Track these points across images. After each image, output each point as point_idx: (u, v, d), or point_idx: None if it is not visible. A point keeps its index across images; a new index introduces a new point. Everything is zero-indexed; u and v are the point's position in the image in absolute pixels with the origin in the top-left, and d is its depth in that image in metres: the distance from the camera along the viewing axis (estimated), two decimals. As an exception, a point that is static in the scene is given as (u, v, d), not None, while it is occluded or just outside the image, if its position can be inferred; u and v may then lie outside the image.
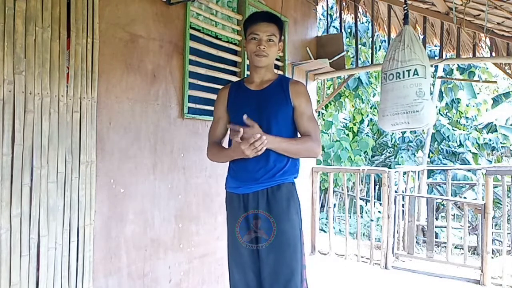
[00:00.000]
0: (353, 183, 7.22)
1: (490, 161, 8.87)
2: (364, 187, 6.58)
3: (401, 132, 8.76)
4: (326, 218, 5.52)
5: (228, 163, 1.81)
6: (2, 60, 1.63)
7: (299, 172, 1.78)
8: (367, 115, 9.37)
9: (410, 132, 8.89)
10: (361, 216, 5.65)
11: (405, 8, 2.74)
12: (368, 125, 9.66)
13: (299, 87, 1.76)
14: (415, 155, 8.86)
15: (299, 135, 1.76)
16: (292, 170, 1.73)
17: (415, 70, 2.52)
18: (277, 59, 3.46)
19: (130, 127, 2.24)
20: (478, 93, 10.56)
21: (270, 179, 1.68)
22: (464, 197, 6.25)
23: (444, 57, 3.86)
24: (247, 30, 1.74)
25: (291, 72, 3.79)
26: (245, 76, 3.04)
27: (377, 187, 7.36)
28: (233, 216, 1.74)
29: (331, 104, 8.35)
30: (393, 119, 2.61)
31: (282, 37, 1.80)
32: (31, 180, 1.73)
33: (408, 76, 2.53)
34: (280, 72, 3.51)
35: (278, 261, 1.63)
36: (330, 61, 4.05)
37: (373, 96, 9.46)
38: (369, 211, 5.66)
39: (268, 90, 1.75)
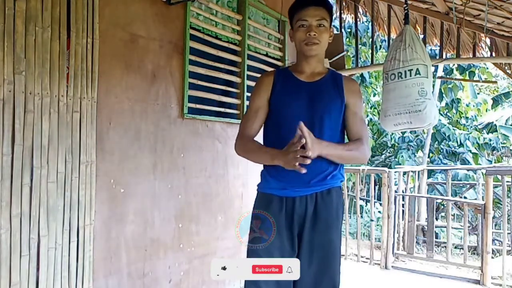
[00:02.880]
0: (353, 183, 7.22)
1: (490, 161, 8.86)
2: (364, 187, 6.57)
3: (401, 132, 8.76)
4: (326, 218, 5.51)
5: (243, 159, 1.66)
6: (2, 60, 1.63)
7: (345, 176, 1.67)
8: (367, 115, 9.37)
9: (410, 132, 8.89)
10: (361, 216, 5.65)
11: (405, 8, 2.74)
12: (368, 125, 9.65)
13: (353, 85, 1.63)
14: (415, 155, 8.86)
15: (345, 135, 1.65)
16: (341, 173, 1.61)
17: (417, 69, 2.52)
18: (277, 59, 3.46)
19: (130, 127, 2.24)
20: (478, 93, 10.57)
21: (321, 182, 1.52)
22: (465, 197, 6.26)
23: (444, 57, 3.86)
24: (294, 17, 1.56)
25: (291, 72, 3.78)
26: (247, 76, 3.03)
27: (377, 187, 7.35)
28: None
29: (331, 104, 8.34)
30: (395, 119, 2.61)
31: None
32: (31, 180, 1.73)
33: (410, 75, 2.53)
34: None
35: (321, 274, 1.49)
36: (330, 61, 4.04)
37: (373, 96, 9.46)
38: (369, 211, 5.66)
39: (321, 84, 1.58)
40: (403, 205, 4.45)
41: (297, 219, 1.51)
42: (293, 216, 1.51)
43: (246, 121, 1.63)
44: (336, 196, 1.55)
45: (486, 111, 10.23)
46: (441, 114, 9.48)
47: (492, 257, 3.80)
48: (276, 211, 1.52)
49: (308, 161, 1.32)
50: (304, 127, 1.31)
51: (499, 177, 4.22)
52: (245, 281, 1.54)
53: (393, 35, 3.96)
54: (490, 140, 8.80)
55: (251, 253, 1.54)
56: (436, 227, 4.78)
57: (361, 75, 7.89)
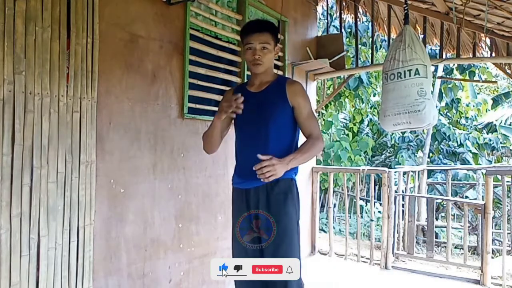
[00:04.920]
0: (353, 183, 7.22)
1: (490, 161, 8.86)
2: (364, 187, 6.57)
3: (401, 132, 8.76)
4: (326, 218, 5.52)
5: (234, 160, 1.90)
6: (2, 60, 1.63)
7: (299, 169, 1.84)
8: (367, 115, 9.36)
9: (410, 131, 8.89)
10: (361, 216, 5.65)
11: (405, 8, 2.74)
12: (368, 125, 9.65)
13: (295, 87, 1.82)
14: (415, 155, 8.86)
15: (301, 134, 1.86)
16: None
17: (416, 69, 2.52)
18: (276, 59, 3.46)
19: (130, 127, 2.24)
20: (478, 93, 10.57)
21: None
22: (466, 197, 6.26)
23: (444, 57, 3.86)
24: (243, 40, 1.83)
25: (291, 72, 3.79)
26: (247, 76, 3.04)
27: (377, 187, 7.35)
28: (238, 211, 1.83)
29: (331, 104, 8.34)
30: (394, 119, 2.61)
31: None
32: (31, 180, 1.73)
33: (409, 75, 2.53)
34: (280, 73, 3.51)
35: (276, 252, 1.69)
36: (330, 61, 4.05)
37: (373, 96, 9.45)
38: (369, 211, 5.66)
39: (265, 92, 1.83)
40: (403, 205, 4.44)
41: (253, 206, 1.78)
42: (250, 205, 1.78)
43: None
44: (284, 186, 1.76)
45: (486, 111, 10.23)
46: (441, 114, 9.48)
47: (492, 257, 3.80)
48: (239, 202, 1.82)
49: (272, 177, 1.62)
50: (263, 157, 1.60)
51: (499, 177, 4.22)
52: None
53: (393, 35, 3.96)
54: (490, 140, 8.79)
55: (232, 240, 1.85)
56: (436, 227, 4.77)
57: (359, 76, 7.88)
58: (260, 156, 1.61)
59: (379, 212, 6.07)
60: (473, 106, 9.96)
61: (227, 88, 2.90)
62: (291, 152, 1.75)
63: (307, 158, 1.75)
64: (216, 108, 2.80)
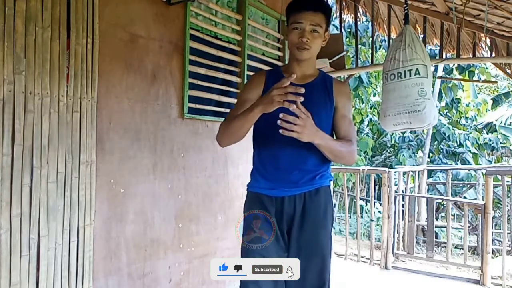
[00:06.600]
0: (353, 183, 7.22)
1: (490, 161, 8.87)
2: (364, 187, 6.58)
3: (401, 132, 8.77)
4: (326, 218, 5.53)
5: (252, 160, 1.66)
6: (2, 60, 1.63)
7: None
8: (367, 115, 9.38)
9: (410, 131, 8.90)
10: (361, 216, 5.65)
11: (405, 8, 2.74)
12: (368, 125, 9.66)
13: (344, 87, 1.64)
14: (415, 155, 8.87)
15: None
16: (329, 172, 1.63)
17: (417, 69, 2.52)
18: (277, 59, 3.46)
19: (130, 127, 2.24)
20: (478, 93, 10.58)
21: (309, 182, 1.55)
22: (465, 197, 6.26)
23: (444, 57, 3.86)
24: (289, 17, 1.54)
25: (291, 72, 3.78)
26: (247, 76, 3.03)
27: (377, 187, 7.36)
28: (263, 222, 1.57)
29: (331, 104, 8.34)
30: (395, 119, 2.61)
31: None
32: (31, 180, 1.73)
33: (410, 75, 2.53)
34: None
35: (309, 271, 1.50)
36: (330, 61, 4.04)
37: (373, 96, 9.46)
38: (369, 211, 5.67)
39: (311, 86, 1.54)
40: (403, 205, 4.45)
41: (286, 218, 1.54)
42: (282, 215, 1.54)
43: (232, 112, 1.65)
44: (324, 195, 1.57)
45: (486, 111, 10.25)
46: (441, 114, 9.50)
47: (492, 257, 3.81)
48: (266, 210, 1.55)
49: (293, 133, 1.28)
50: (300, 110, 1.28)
51: (499, 177, 4.23)
52: (241, 281, 1.54)
53: (393, 35, 3.95)
54: (490, 140, 8.81)
55: (245, 251, 1.58)
56: (436, 227, 4.78)
57: (359, 76, 7.89)
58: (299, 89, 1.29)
59: (379, 212, 6.07)
60: (473, 106, 9.98)
61: (228, 89, 2.91)
62: (329, 161, 1.56)
63: (334, 151, 1.47)
64: (217, 109, 2.81)
